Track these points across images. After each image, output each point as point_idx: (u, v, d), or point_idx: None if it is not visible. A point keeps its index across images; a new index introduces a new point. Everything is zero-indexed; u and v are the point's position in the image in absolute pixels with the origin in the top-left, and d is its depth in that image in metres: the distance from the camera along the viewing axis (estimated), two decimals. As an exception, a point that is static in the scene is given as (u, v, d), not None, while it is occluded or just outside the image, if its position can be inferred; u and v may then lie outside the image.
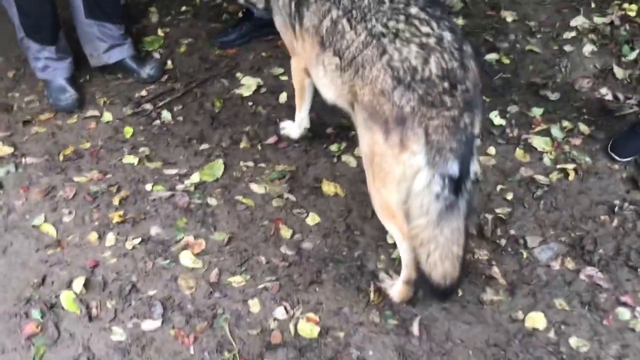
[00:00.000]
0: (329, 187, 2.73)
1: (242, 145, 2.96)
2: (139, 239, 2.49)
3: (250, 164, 2.86)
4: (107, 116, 3.13)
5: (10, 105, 3.22)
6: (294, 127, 2.90)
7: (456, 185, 1.83)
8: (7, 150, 2.90)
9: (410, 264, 2.11)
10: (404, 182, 1.87)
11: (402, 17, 1.86)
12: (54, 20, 3.03)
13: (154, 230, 2.53)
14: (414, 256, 2.02)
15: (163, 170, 2.83)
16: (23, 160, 2.87)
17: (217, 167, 2.84)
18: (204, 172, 2.81)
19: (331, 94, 2.15)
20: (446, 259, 1.94)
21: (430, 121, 1.76)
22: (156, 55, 3.51)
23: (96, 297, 2.27)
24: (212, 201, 2.67)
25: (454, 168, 1.81)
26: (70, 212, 2.61)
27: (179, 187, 2.74)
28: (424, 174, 1.83)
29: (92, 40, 3.20)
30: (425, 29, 1.83)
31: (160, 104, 3.19)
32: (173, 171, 2.83)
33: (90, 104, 3.23)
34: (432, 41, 1.80)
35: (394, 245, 2.42)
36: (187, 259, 2.41)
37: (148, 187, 2.74)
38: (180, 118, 3.12)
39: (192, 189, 2.73)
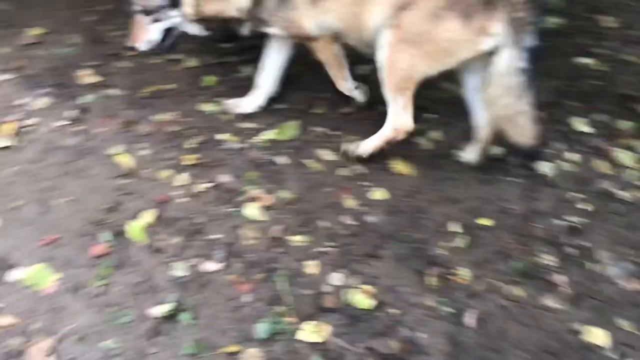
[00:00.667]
0: (399, 165, 2.70)
1: (318, 110, 2.96)
2: (209, 184, 2.53)
3: (324, 130, 2.86)
4: (192, 62, 3.19)
5: (102, 37, 3.31)
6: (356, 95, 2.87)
7: (532, 54, 2.04)
8: (97, 79, 2.99)
9: (401, 127, 2.45)
10: (465, 59, 2.11)
11: None
12: None
13: (224, 178, 2.57)
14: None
15: (238, 123, 2.87)
16: (108, 91, 2.96)
17: (291, 127, 2.86)
18: (277, 131, 2.83)
19: (389, 6, 2.22)
20: (532, 122, 2.20)
21: None
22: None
23: (163, 231, 2.32)
24: (282, 160, 2.69)
25: (532, 40, 2.02)
26: (146, 148, 2.67)
27: (252, 141, 2.77)
28: (507, 53, 2.04)
29: None
30: None
31: (244, 58, 3.22)
32: (248, 125, 2.86)
33: (176, 47, 3.28)
34: None
35: (456, 234, 2.40)
36: (252, 210, 2.43)
37: (223, 136, 2.79)
38: (262, 74, 3.13)
39: (264, 145, 2.75)
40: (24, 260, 2.19)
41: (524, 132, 2.25)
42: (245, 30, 2.67)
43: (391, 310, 2.17)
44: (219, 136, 2.78)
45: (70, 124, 2.78)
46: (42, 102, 2.89)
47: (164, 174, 2.56)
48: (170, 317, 2.04)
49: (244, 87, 3.03)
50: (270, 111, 2.93)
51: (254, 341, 2.01)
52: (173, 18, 2.53)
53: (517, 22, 1.99)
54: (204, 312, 2.07)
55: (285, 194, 2.53)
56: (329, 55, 2.69)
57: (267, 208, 2.46)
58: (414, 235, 2.44)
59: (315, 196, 2.54)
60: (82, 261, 2.19)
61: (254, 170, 2.62)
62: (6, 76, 3.04)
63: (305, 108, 2.97)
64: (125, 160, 2.60)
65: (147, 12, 2.49)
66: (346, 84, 2.84)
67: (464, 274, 2.30)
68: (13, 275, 2.13)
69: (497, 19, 1.98)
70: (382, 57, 2.33)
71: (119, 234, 2.30)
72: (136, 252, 2.24)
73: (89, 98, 2.89)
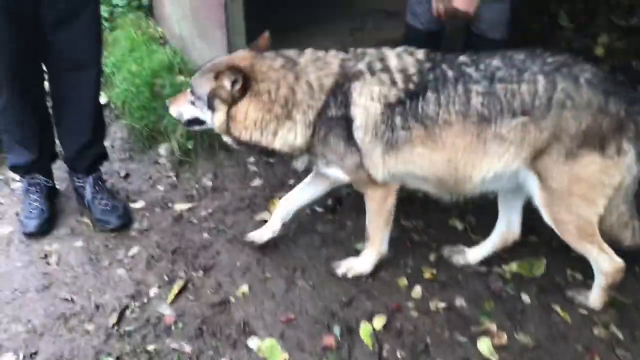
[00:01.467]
0: (671, 341, 2.29)
1: (574, 251, 2.70)
2: (444, 304, 2.46)
3: (579, 276, 2.59)
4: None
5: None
6: (368, 262, 2.55)
7: None
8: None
9: (610, 269, 2.26)
10: (618, 183, 2.09)
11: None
12: None
13: (460, 302, 2.48)
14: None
15: (485, 245, 2.77)
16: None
17: (538, 265, 2.66)
18: (523, 265, 2.65)
19: (505, 161, 2.13)
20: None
21: (638, 116, 2.03)
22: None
23: (390, 340, 2.31)
24: (525, 298, 2.50)
25: None
26: (388, 250, 2.73)
27: (495, 269, 2.64)
28: (634, 167, 2.08)
29: None
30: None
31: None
32: (493, 251, 2.74)
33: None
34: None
35: None
36: (484, 346, 2.27)
37: (466, 256, 2.71)
38: (516, 202, 3.02)
39: (508, 276, 2.60)
40: (261, 331, 2.37)
41: (634, 233, 2.26)
42: (297, 164, 2.46)
43: None
44: (461, 256, 2.72)
45: (325, 212, 3.00)
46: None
47: (401, 282, 2.58)
48: None
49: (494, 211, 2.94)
50: (520, 241, 2.77)
51: None
52: (204, 115, 2.34)
53: None
54: None
55: (523, 338, 2.32)
56: (385, 208, 2.42)
57: (501, 348, 2.28)
58: None
59: (558, 349, 2.28)
60: (311, 348, 2.28)
61: (493, 302, 2.48)
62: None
63: (557, 245, 2.73)
64: (367, 259, 2.69)
65: (192, 91, 2.37)
66: (382, 247, 2.53)
67: None
68: (251, 342, 2.31)
69: (630, 135, 2.04)
70: (547, 218, 2.24)
71: (349, 331, 2.34)
72: (361, 354, 2.25)
73: (344, 190, 3.11)
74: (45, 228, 2.90)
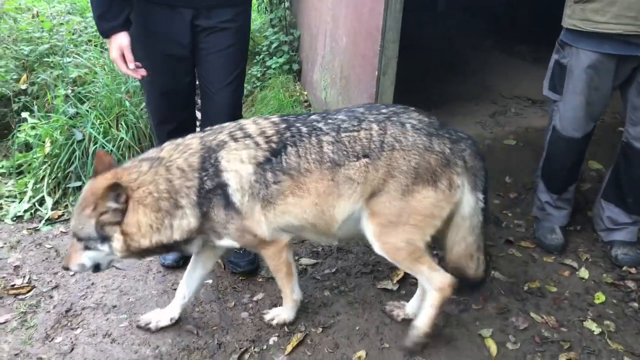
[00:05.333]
0: None
1: None
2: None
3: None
4: (584, 273, 3.05)
5: (502, 221, 3.50)
6: (288, 310, 2.69)
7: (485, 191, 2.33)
8: (486, 258, 3.12)
9: (442, 284, 2.39)
10: (446, 215, 2.28)
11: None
12: (571, 175, 3.17)
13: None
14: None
15: (624, 357, 2.53)
16: (492, 273, 3.04)
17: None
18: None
19: (354, 200, 2.30)
20: (484, 255, 2.46)
21: (464, 152, 2.28)
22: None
23: None
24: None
25: (484, 180, 2.32)
26: (516, 342, 2.59)
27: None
28: (471, 198, 2.30)
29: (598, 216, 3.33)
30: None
31: (648, 289, 2.91)
32: (640, 362, 2.50)
33: (572, 253, 3.21)
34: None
35: None
36: None
37: (600, 363, 2.50)
38: (662, 314, 2.75)
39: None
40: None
41: (479, 266, 2.45)
42: (193, 248, 2.44)
43: None
44: (596, 362, 2.50)
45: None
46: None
47: (528, 378, 2.41)
48: None
49: (636, 318, 2.70)
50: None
51: None
52: (102, 252, 2.30)
53: (473, 169, 2.28)
54: None
55: None
56: (281, 260, 2.52)
57: None
58: None
59: None
60: None
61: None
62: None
63: None
64: (492, 346, 2.56)
65: (78, 238, 2.30)
66: (290, 295, 2.65)
67: None
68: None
69: (457, 172, 2.23)
70: (377, 248, 2.37)
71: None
72: None
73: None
74: (181, 262, 3.11)
